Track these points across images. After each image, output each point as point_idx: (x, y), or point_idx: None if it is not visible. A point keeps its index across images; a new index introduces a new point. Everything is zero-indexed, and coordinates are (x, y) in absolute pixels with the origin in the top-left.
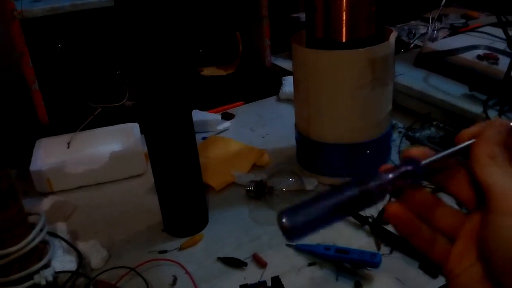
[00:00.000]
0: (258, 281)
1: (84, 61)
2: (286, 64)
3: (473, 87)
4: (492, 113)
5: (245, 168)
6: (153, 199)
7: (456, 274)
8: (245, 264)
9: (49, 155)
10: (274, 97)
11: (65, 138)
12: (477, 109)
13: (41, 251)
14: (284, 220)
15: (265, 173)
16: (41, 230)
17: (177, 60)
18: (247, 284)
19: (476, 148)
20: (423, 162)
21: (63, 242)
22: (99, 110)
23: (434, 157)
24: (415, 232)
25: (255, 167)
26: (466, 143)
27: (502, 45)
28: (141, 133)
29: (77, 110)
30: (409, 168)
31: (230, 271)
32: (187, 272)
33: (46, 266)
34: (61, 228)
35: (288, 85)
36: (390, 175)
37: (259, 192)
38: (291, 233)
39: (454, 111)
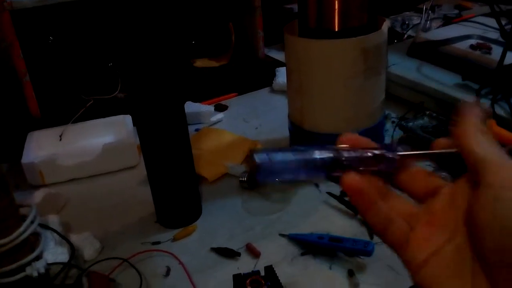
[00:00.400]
0: (252, 271)
1: (75, 53)
2: (280, 56)
3: (466, 77)
4: (485, 102)
5: (238, 159)
6: (146, 190)
7: (419, 264)
8: (239, 254)
9: (41, 147)
10: (267, 89)
11: (57, 130)
12: (470, 98)
13: (32, 243)
14: (255, 157)
15: None
16: (32, 222)
17: (170, 51)
18: (240, 273)
19: (465, 122)
20: (402, 152)
21: (55, 234)
22: (91, 102)
23: (414, 152)
24: (369, 207)
25: (248, 158)
26: (448, 150)
27: (495, 35)
28: (134, 125)
29: (69, 103)
30: (389, 154)
31: (223, 261)
32: (180, 263)
33: (38, 258)
34: (53, 220)
35: (281, 76)
36: (368, 153)
37: (252, 183)
38: (260, 170)
39: (447, 101)
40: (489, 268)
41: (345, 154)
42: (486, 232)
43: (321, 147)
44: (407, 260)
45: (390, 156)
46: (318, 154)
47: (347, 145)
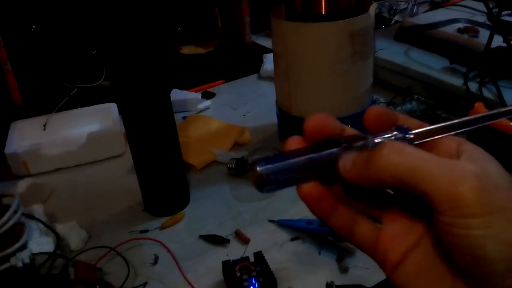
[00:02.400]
0: (241, 257)
1: (59, 41)
2: (267, 42)
3: (454, 60)
4: (473, 85)
5: (226, 146)
6: (133, 179)
7: (393, 264)
8: (228, 241)
9: (25, 137)
10: (255, 75)
11: (40, 119)
12: (457, 81)
13: (17, 233)
14: (257, 167)
15: (247, 150)
16: (15, 211)
17: (155, 38)
18: (229, 260)
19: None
20: (417, 130)
21: (40, 224)
22: (75, 90)
23: (424, 129)
24: (330, 213)
25: (236, 145)
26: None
27: (482, 18)
28: (119, 113)
29: (52, 91)
30: (399, 135)
31: (212, 248)
32: (168, 251)
33: (23, 248)
34: (38, 210)
35: (269, 62)
36: (378, 139)
37: (241, 169)
38: (263, 180)
39: (435, 84)
40: (462, 274)
41: (357, 144)
42: (456, 257)
43: (328, 141)
44: (380, 261)
45: (405, 137)
46: (325, 152)
47: (352, 132)
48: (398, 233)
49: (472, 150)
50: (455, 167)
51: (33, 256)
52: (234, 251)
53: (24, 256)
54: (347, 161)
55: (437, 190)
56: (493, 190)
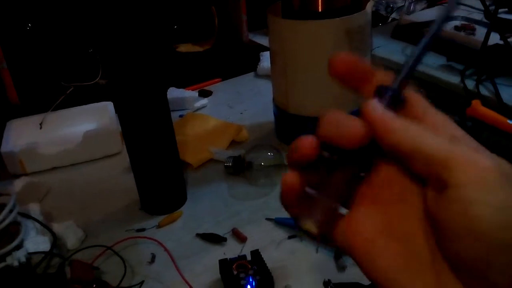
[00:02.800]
0: (238, 255)
1: (55, 39)
2: (264, 41)
3: (451, 58)
4: (470, 83)
5: (223, 145)
6: (130, 178)
7: (365, 252)
8: (225, 240)
9: (21, 136)
10: (252, 73)
11: (37, 118)
12: (454, 79)
13: (13, 232)
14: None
15: (244, 149)
16: (11, 211)
17: (151, 36)
18: (226, 258)
19: (377, 118)
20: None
21: (36, 223)
22: (72, 89)
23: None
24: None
25: (233, 143)
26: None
27: (479, 16)
28: (116, 112)
29: (49, 90)
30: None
31: (209, 247)
32: (165, 250)
33: (19, 247)
34: (34, 209)
35: (266, 60)
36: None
37: (238, 168)
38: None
39: (432, 82)
40: (460, 275)
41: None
42: (460, 240)
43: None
44: (349, 250)
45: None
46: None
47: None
48: (363, 216)
49: (467, 138)
50: (475, 153)
51: (29, 255)
52: (231, 249)
53: (20, 255)
54: (376, 108)
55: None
56: (502, 172)
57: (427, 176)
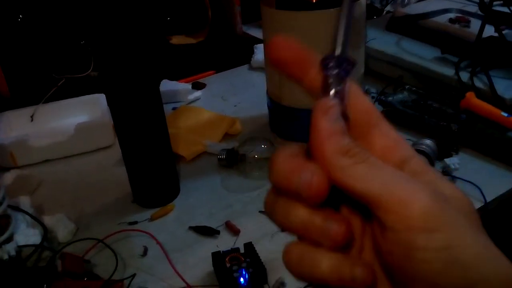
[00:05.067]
0: (231, 248)
1: (46, 31)
2: (258, 33)
3: (445, 50)
4: (464, 75)
5: (216, 137)
6: (122, 171)
7: None
8: (218, 232)
9: (12, 128)
10: (246, 66)
11: (28, 110)
12: (449, 71)
13: (2, 225)
14: None
15: (237, 141)
16: (0, 204)
17: (143, 28)
18: (219, 251)
19: (320, 148)
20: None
21: (27, 216)
22: (63, 81)
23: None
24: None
25: (227, 136)
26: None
27: (473, 8)
28: (108, 104)
29: (40, 82)
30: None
31: (202, 239)
32: (158, 242)
33: (9, 240)
34: (24, 202)
35: (260, 53)
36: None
37: (231, 160)
38: None
39: (426, 74)
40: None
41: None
42: (407, 281)
43: None
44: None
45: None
46: None
47: None
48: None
49: (416, 160)
50: (409, 186)
51: (20, 248)
52: (225, 242)
53: (10, 248)
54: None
55: (390, 212)
56: (442, 208)
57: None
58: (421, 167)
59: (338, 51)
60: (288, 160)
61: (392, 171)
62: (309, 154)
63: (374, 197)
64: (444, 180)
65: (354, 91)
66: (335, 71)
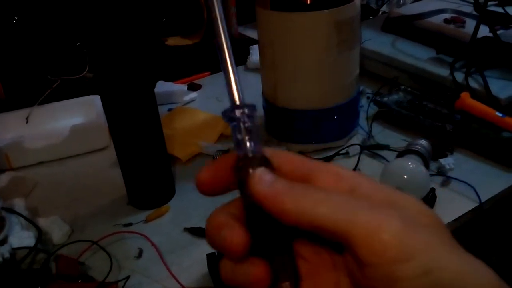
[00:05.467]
0: None
1: (41, 32)
2: (254, 34)
3: (440, 50)
4: (459, 75)
5: (212, 138)
6: (117, 172)
7: None
8: None
9: (7, 130)
10: (241, 67)
11: (23, 112)
12: (444, 71)
13: None
14: None
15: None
16: None
17: (139, 29)
18: (214, 253)
19: (276, 206)
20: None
21: (21, 218)
22: (58, 82)
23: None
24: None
25: (222, 137)
26: None
27: (468, 9)
28: (102, 105)
29: (35, 83)
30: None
31: (197, 241)
32: (153, 244)
33: (3, 243)
34: (19, 204)
35: (255, 54)
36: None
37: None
38: None
39: (421, 75)
40: None
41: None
42: None
43: None
44: None
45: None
46: None
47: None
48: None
49: (365, 183)
50: (376, 215)
51: (14, 250)
52: None
53: (4, 250)
54: (263, 183)
55: (360, 242)
56: (413, 232)
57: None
58: (374, 188)
59: (236, 101)
60: (216, 218)
61: (349, 200)
62: (241, 211)
63: (340, 231)
64: (403, 196)
65: (278, 155)
66: (241, 120)
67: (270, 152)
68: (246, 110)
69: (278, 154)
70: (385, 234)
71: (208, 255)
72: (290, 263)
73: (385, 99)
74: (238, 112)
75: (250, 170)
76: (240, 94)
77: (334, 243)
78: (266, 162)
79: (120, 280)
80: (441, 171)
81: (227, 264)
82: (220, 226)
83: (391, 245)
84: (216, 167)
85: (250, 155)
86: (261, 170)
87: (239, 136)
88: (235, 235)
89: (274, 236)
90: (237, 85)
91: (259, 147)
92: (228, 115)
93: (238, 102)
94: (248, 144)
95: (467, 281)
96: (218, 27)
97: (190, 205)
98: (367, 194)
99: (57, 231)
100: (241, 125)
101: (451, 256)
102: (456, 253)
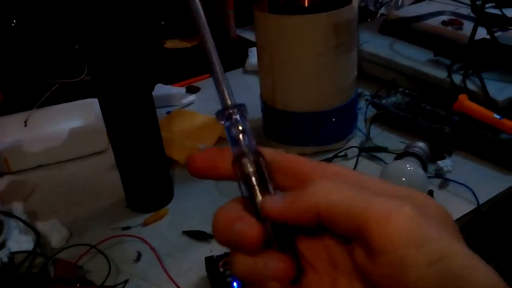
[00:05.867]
0: (224, 253)
1: (40, 36)
2: (253, 36)
3: (438, 52)
4: (457, 77)
5: (210, 141)
6: (115, 175)
7: None
8: (211, 237)
9: (6, 134)
10: (240, 69)
11: (21, 116)
12: (442, 74)
13: None
14: None
15: None
16: None
17: (137, 32)
18: (212, 256)
19: (279, 214)
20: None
21: (19, 222)
22: (57, 86)
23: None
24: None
25: (221, 139)
26: None
27: (466, 11)
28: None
29: (33, 87)
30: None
31: (195, 244)
32: (151, 248)
33: (1, 247)
34: (17, 208)
35: (254, 56)
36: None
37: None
38: None
39: (419, 77)
40: None
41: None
42: None
43: None
44: None
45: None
46: None
47: None
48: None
49: (372, 181)
50: (389, 202)
51: (12, 254)
52: (218, 246)
53: (3, 255)
54: (270, 200)
55: (375, 232)
56: (425, 221)
57: (353, 237)
58: (379, 184)
59: (227, 102)
60: (225, 214)
61: (361, 189)
62: (248, 207)
63: (356, 219)
64: (410, 190)
65: (279, 156)
66: (233, 118)
67: (271, 152)
68: (237, 110)
69: (280, 155)
70: (399, 219)
71: (207, 258)
72: (294, 257)
73: (383, 101)
74: (230, 112)
75: (249, 170)
76: (231, 95)
77: (339, 237)
78: (260, 156)
79: (119, 284)
80: (439, 173)
81: (242, 259)
82: (233, 220)
83: (405, 230)
84: (214, 155)
85: (245, 150)
86: (268, 197)
87: (233, 134)
88: (251, 226)
89: (279, 231)
90: (226, 86)
91: (253, 143)
92: (221, 115)
93: (229, 103)
94: (242, 141)
95: (476, 271)
96: (204, 34)
97: (188, 208)
98: (375, 187)
99: (55, 234)
100: (234, 123)
101: (461, 247)
102: (464, 245)
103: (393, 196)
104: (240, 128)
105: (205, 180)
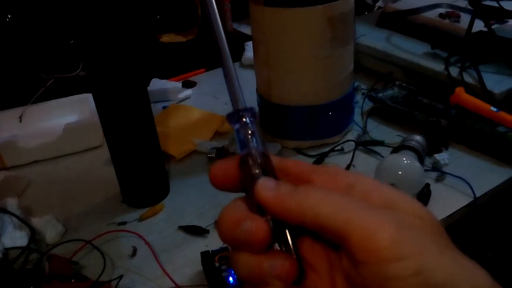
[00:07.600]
0: (220, 247)
1: (35, 31)
2: (249, 30)
3: (435, 45)
4: (454, 70)
5: (207, 136)
6: (111, 171)
7: None
8: (207, 231)
9: (0, 129)
10: (236, 63)
11: (16, 111)
12: (439, 66)
13: None
14: None
15: (228, 139)
16: None
17: (132, 26)
18: (208, 251)
19: (271, 202)
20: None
21: (14, 218)
22: (52, 81)
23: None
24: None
25: (217, 134)
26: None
27: (463, 3)
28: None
29: (28, 82)
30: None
31: (191, 239)
32: (146, 243)
33: None
34: (12, 203)
35: (250, 50)
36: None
37: (221, 159)
38: None
39: (416, 70)
40: None
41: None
42: None
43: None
44: None
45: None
46: None
47: None
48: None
49: (361, 181)
50: (373, 217)
51: (6, 250)
52: (214, 241)
53: None
54: (267, 189)
55: (356, 242)
56: (407, 235)
57: (340, 246)
58: (372, 186)
59: (239, 105)
60: (231, 213)
61: (348, 200)
62: (252, 206)
63: (340, 232)
64: (400, 195)
65: (285, 161)
66: (243, 121)
67: (278, 159)
68: (248, 113)
69: (285, 161)
70: (379, 235)
71: (202, 253)
72: (297, 257)
73: (380, 94)
74: (241, 115)
75: (255, 171)
76: (242, 99)
77: (332, 241)
78: (267, 159)
79: (114, 279)
80: (436, 167)
81: (246, 258)
82: (240, 220)
83: (384, 246)
84: (228, 164)
85: (254, 152)
86: (264, 178)
87: (242, 137)
88: (259, 226)
89: (282, 231)
90: (239, 90)
91: (262, 145)
92: (232, 118)
93: (240, 106)
94: (251, 143)
95: (459, 282)
96: (220, 37)
97: (184, 203)
98: (365, 192)
99: (50, 230)
100: (245, 126)
101: (443, 258)
102: (449, 254)
103: (380, 207)
104: (250, 131)
105: (201, 176)
